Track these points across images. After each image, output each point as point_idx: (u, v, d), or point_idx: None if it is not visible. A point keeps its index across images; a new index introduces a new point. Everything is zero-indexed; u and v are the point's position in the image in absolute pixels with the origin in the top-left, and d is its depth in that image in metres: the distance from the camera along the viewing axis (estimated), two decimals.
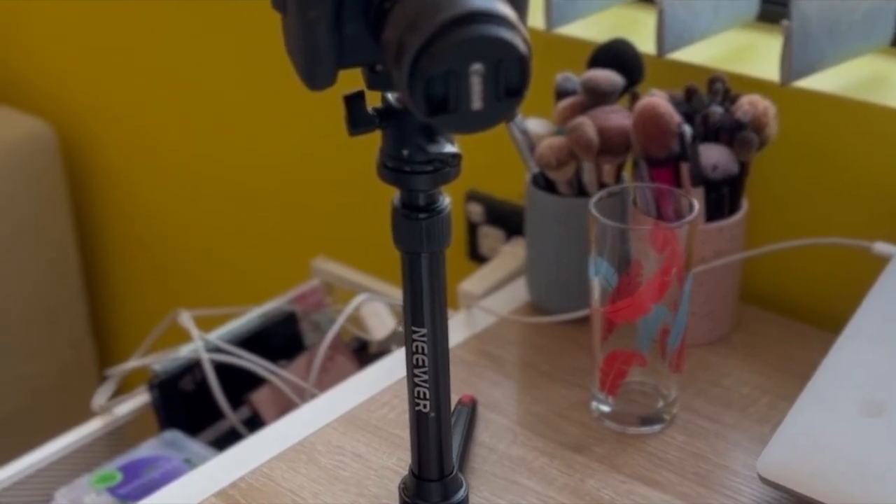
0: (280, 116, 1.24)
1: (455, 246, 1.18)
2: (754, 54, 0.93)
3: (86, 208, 1.61)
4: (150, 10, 1.36)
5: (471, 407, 0.81)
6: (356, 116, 0.56)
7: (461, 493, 0.67)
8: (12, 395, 1.56)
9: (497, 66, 0.48)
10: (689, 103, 0.86)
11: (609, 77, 0.87)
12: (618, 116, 0.86)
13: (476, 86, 0.48)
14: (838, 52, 0.87)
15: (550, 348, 0.90)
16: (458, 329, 0.93)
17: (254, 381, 1.01)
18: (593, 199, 0.77)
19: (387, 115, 0.56)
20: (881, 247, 0.82)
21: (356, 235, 1.22)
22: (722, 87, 0.86)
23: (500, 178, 1.09)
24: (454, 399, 0.81)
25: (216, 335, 1.01)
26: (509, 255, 1.04)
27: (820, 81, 0.87)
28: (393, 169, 0.58)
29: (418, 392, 0.65)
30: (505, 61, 0.48)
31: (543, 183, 0.90)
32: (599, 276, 0.77)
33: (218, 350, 0.99)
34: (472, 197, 1.14)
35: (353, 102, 0.56)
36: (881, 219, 0.85)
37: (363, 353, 1.06)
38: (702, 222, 0.85)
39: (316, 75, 0.52)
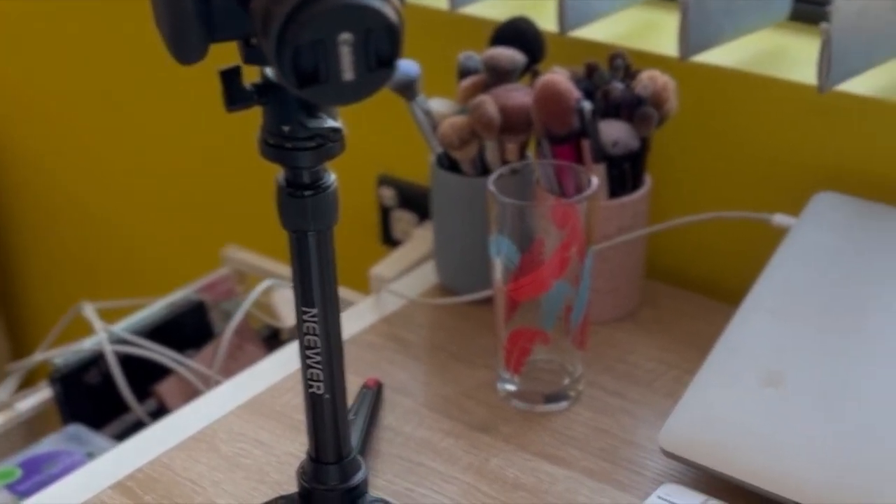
0: (186, 105, 1.22)
1: (368, 231, 1.18)
2: (656, 31, 0.93)
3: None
4: None
5: (375, 390, 0.80)
6: (233, 92, 0.55)
7: (359, 476, 0.66)
8: None
9: (367, 35, 0.47)
10: (589, 80, 0.85)
11: (510, 55, 0.87)
12: (519, 94, 0.85)
13: (346, 56, 0.48)
14: (736, 27, 0.87)
15: (459, 330, 0.89)
16: (367, 313, 0.92)
17: (162, 372, 0.99)
18: (492, 178, 0.76)
19: (265, 91, 0.55)
20: (780, 218, 0.82)
21: (267, 223, 1.20)
22: (623, 63, 0.86)
23: (411, 162, 1.08)
24: (360, 383, 0.81)
25: (121, 326, 1.00)
26: (421, 238, 1.03)
27: (719, 56, 0.87)
28: (274, 146, 0.57)
29: (311, 374, 0.64)
30: (374, 31, 0.48)
31: (447, 163, 0.89)
32: (501, 255, 0.77)
33: (122, 342, 0.97)
34: (384, 181, 1.13)
35: (229, 78, 0.54)
36: (781, 191, 0.86)
37: (274, 340, 1.05)
38: (604, 198, 0.85)
39: (184, 48, 0.51)
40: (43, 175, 1.48)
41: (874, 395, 0.69)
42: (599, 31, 0.93)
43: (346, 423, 0.66)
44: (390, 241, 1.15)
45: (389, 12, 0.48)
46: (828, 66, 0.79)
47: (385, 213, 1.15)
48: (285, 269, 1.17)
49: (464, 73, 0.90)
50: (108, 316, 1.04)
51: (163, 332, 1.01)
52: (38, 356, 1.00)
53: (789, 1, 0.89)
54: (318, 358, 0.63)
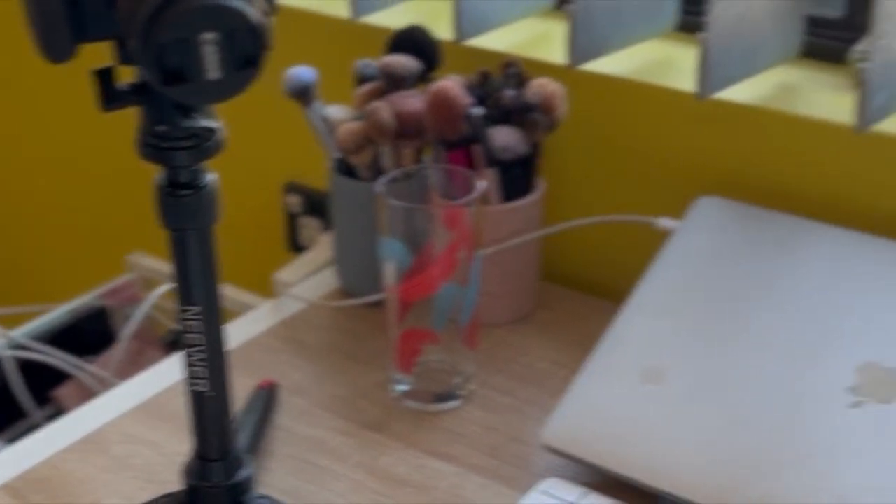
0: (87, 110, 1.22)
1: (275, 237, 1.19)
2: (549, 41, 0.95)
3: None
4: None
5: (269, 391, 0.81)
6: (108, 93, 0.56)
7: (244, 472, 0.67)
8: None
9: (230, 35, 0.49)
10: (482, 87, 0.87)
11: (405, 63, 0.89)
12: (414, 101, 0.87)
13: (210, 55, 0.49)
14: (624, 37, 0.90)
15: (357, 332, 0.90)
16: (267, 316, 0.93)
17: (63, 378, 0.99)
18: (381, 181, 0.78)
19: (140, 91, 0.56)
20: (665, 222, 0.85)
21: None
22: (515, 71, 0.88)
23: (318, 170, 1.09)
24: (256, 384, 0.82)
25: (21, 332, 1.00)
26: (326, 244, 1.05)
27: (607, 64, 0.90)
28: (151, 146, 0.58)
29: (194, 372, 0.64)
30: (238, 31, 0.49)
31: (345, 168, 0.91)
32: (392, 257, 0.78)
33: (21, 347, 0.97)
34: (291, 188, 1.14)
35: (103, 78, 0.55)
36: (667, 195, 0.88)
37: (177, 345, 1.05)
38: (497, 203, 0.87)
39: (52, 46, 0.51)
40: None
41: (749, 389, 0.72)
42: (495, 41, 0.95)
43: (229, 420, 0.67)
44: (297, 247, 1.16)
45: (252, 13, 0.49)
46: (706, 74, 0.82)
47: (292, 219, 1.16)
48: None
49: (361, 80, 0.91)
50: (12, 321, 1.04)
51: (64, 337, 1.02)
52: None
53: (676, 12, 0.92)
54: (201, 356, 0.64)
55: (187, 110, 0.57)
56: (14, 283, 1.41)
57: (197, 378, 0.65)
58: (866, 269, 0.77)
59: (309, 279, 0.99)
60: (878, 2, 0.74)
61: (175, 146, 0.58)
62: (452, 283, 0.78)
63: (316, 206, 1.13)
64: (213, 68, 0.49)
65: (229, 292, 1.15)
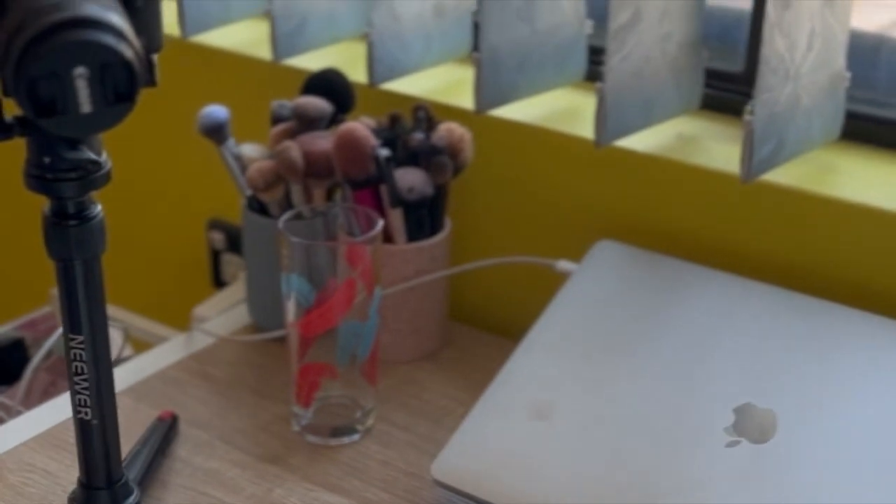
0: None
1: (198, 273, 1.20)
2: (461, 87, 0.98)
3: None
4: None
5: (169, 422, 0.82)
6: None
7: (130, 500, 0.68)
8: None
9: (102, 70, 0.51)
10: (392, 129, 0.90)
11: (317, 104, 0.91)
12: (324, 141, 0.89)
13: (82, 89, 0.51)
14: (531, 85, 0.92)
15: (265, 366, 0.92)
16: (178, 349, 0.94)
17: None
18: (283, 218, 0.80)
19: (26, 123, 0.58)
20: (563, 264, 0.87)
21: (107, 264, 1.22)
22: (425, 114, 0.91)
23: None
24: (151, 415, 0.83)
25: None
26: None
27: (514, 111, 0.92)
28: (37, 177, 0.59)
29: (80, 400, 0.66)
30: (111, 66, 0.51)
31: (257, 206, 0.93)
32: (292, 292, 0.80)
33: None
34: (214, 225, 1.16)
35: None
36: (567, 238, 0.91)
37: None
38: (403, 242, 0.89)
39: None
40: None
41: (632, 427, 0.74)
42: (408, 85, 0.97)
43: (116, 448, 0.68)
44: (220, 283, 1.17)
45: (125, 49, 0.51)
46: (603, 123, 0.84)
47: (215, 255, 1.17)
48: (116, 311, 1.19)
49: (276, 119, 0.93)
50: None
51: None
52: None
53: (584, 62, 0.95)
54: (86, 384, 0.65)
55: (73, 143, 0.58)
56: None
57: (81, 406, 0.66)
58: (750, 314, 0.79)
59: (224, 314, 1.00)
60: (762, 57, 0.77)
61: (60, 178, 0.59)
62: (352, 319, 0.80)
63: (239, 242, 1.15)
64: (85, 102, 0.51)
65: (149, 326, 1.16)
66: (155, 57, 0.58)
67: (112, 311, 1.15)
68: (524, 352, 0.81)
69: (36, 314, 1.09)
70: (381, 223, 0.80)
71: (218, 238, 1.16)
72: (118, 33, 0.51)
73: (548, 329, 0.82)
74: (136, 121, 1.25)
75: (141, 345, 1.10)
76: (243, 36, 1.08)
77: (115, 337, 1.08)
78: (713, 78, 0.93)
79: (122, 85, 0.52)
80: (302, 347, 0.81)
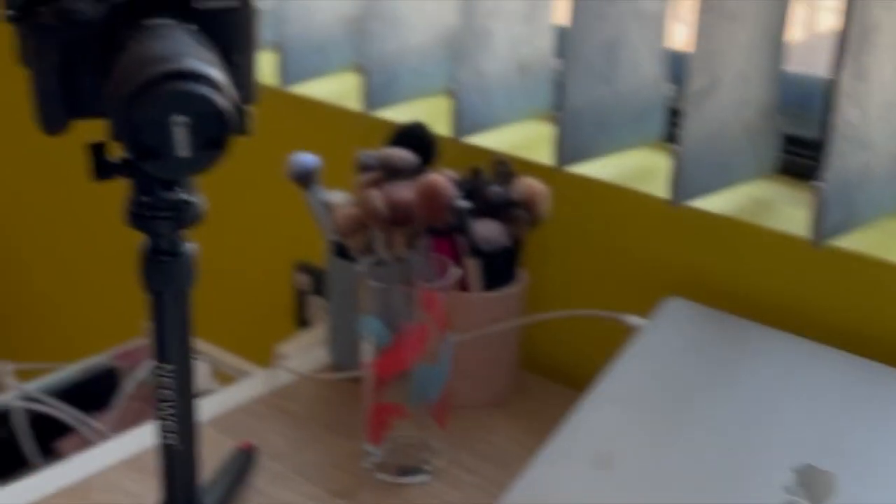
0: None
1: (284, 313, 1.25)
2: (544, 143, 1.01)
3: None
4: None
5: (247, 453, 0.86)
6: (100, 165, 0.62)
7: None
8: None
9: (198, 118, 0.55)
10: (472, 182, 0.93)
11: (402, 155, 0.95)
12: (407, 191, 0.93)
13: (180, 135, 0.55)
14: (610, 143, 0.95)
15: (341, 404, 0.95)
16: (259, 385, 0.99)
17: (67, 431, 1.05)
18: (363, 263, 0.84)
19: (128, 165, 0.62)
20: (632, 319, 0.89)
21: (196, 300, 1.28)
22: (505, 168, 0.94)
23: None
24: (231, 445, 0.87)
25: (33, 385, 1.06)
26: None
27: (593, 168, 0.95)
28: (136, 215, 0.64)
29: (165, 425, 0.70)
30: (206, 116, 0.55)
31: (341, 250, 0.97)
32: (370, 334, 0.84)
33: (32, 399, 1.04)
34: (301, 268, 1.21)
35: (96, 151, 0.62)
36: (637, 294, 0.93)
37: None
38: (478, 290, 0.92)
39: (48, 121, 0.58)
40: None
41: (692, 481, 0.75)
42: (490, 140, 1.01)
43: (196, 474, 0.72)
44: (303, 323, 1.22)
45: (220, 100, 0.55)
46: (678, 183, 0.87)
47: (300, 296, 1.22)
48: (205, 345, 1.24)
49: (363, 168, 0.97)
50: (28, 375, 1.10)
51: (74, 393, 1.08)
52: None
53: (662, 123, 0.98)
54: (172, 411, 0.69)
55: (169, 184, 0.63)
56: (34, 341, 1.49)
57: (167, 431, 0.70)
58: (814, 376, 0.80)
59: (306, 353, 1.04)
60: (834, 125, 0.79)
61: (157, 216, 0.64)
62: (424, 363, 0.83)
63: (322, 285, 1.19)
64: (181, 147, 0.55)
65: (234, 361, 1.21)
66: (250, 108, 0.63)
67: (200, 345, 1.21)
68: (590, 402, 0.83)
69: (129, 345, 1.14)
70: (456, 271, 0.83)
71: (304, 280, 1.20)
72: (215, 86, 0.55)
73: (614, 382, 0.84)
74: (233, 165, 1.31)
75: (225, 378, 1.15)
76: (337, 87, 1.13)
77: (202, 370, 1.13)
78: (789, 143, 0.94)
79: (215, 133, 0.56)
80: (376, 387, 0.85)
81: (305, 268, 1.20)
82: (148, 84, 0.54)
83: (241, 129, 0.61)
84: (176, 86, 0.54)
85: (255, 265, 1.27)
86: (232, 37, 0.60)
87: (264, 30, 1.13)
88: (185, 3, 0.59)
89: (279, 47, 1.09)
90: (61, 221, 1.46)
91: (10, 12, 0.56)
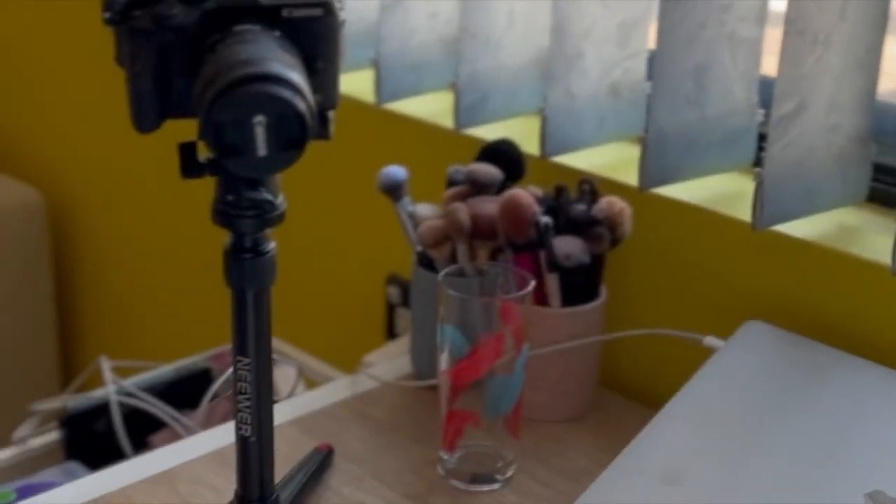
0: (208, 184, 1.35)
1: (374, 324, 1.27)
2: (632, 164, 1.02)
3: (65, 271, 1.72)
4: None
5: (325, 454, 0.89)
6: (188, 163, 0.65)
7: None
8: None
9: (278, 120, 0.58)
10: (556, 199, 0.95)
11: (488, 171, 0.97)
12: (491, 205, 0.95)
13: (260, 135, 0.58)
14: (696, 167, 0.96)
15: (421, 412, 0.97)
16: (343, 389, 1.01)
17: (160, 426, 1.09)
18: (443, 273, 0.86)
19: (215, 164, 0.65)
20: (710, 340, 0.90)
21: (287, 309, 1.32)
22: (589, 187, 0.95)
23: None
24: (312, 445, 0.90)
25: (131, 382, 1.10)
26: None
27: (677, 190, 0.96)
28: (222, 213, 0.67)
29: (241, 417, 0.73)
30: (285, 117, 0.58)
31: (426, 261, 0.99)
32: (446, 342, 0.86)
33: (128, 395, 1.08)
34: (392, 280, 1.23)
35: (186, 150, 0.65)
36: (716, 315, 0.93)
37: None
38: (557, 306, 0.93)
39: (142, 120, 0.62)
40: (113, 255, 1.63)
41: (763, 500, 0.75)
42: (578, 159, 1.02)
43: (270, 465, 0.74)
44: (393, 335, 1.24)
45: (299, 103, 0.58)
46: (761, 207, 0.87)
47: (391, 309, 1.24)
48: (297, 353, 1.27)
49: (450, 183, 1.00)
50: (127, 372, 1.15)
51: (168, 391, 1.12)
52: (56, 401, 1.11)
53: (753, 149, 0.98)
54: (248, 403, 0.72)
55: (253, 184, 0.66)
56: (134, 340, 1.55)
57: (242, 423, 0.73)
58: (891, 403, 0.79)
59: (390, 361, 1.06)
60: None
61: (241, 214, 0.67)
62: (499, 373, 0.85)
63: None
64: (261, 146, 0.58)
65: (322, 368, 1.24)
66: (331, 113, 0.66)
67: (290, 350, 1.25)
68: (662, 419, 0.83)
69: (224, 348, 1.18)
70: (532, 284, 0.84)
71: (394, 293, 1.23)
72: (295, 89, 0.58)
73: (688, 400, 0.84)
74: (331, 178, 1.36)
75: (313, 384, 1.18)
76: (430, 106, 1.16)
77: (290, 373, 1.16)
78: (882, 172, 0.94)
79: (294, 134, 0.59)
80: (451, 394, 0.87)
81: (397, 280, 1.23)
82: (231, 85, 0.57)
83: (321, 133, 0.64)
84: (258, 88, 0.57)
85: (351, 277, 1.31)
86: (316, 44, 0.63)
87: (364, 48, 1.17)
88: (272, 11, 0.62)
89: (377, 65, 1.12)
90: (164, 225, 1.52)
91: (109, 15, 0.60)
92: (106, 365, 1.12)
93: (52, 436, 1.10)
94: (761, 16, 0.94)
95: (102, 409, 1.10)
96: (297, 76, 0.59)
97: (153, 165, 1.46)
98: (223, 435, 0.94)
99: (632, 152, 1.05)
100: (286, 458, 0.87)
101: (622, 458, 0.82)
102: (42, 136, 1.73)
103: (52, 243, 1.72)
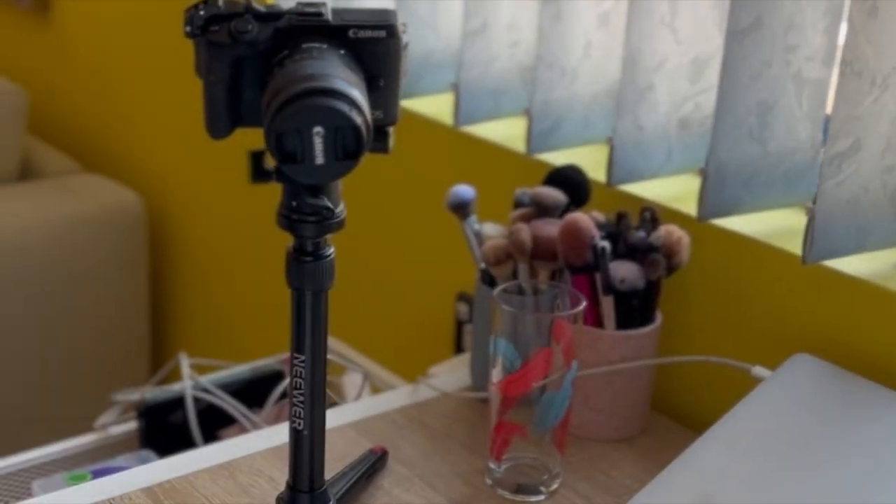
0: None
1: (443, 338, 1.32)
2: (695, 196, 1.04)
3: (159, 270, 1.81)
4: None
5: (378, 455, 0.93)
6: (256, 170, 0.71)
7: None
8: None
9: (336, 131, 0.63)
10: (616, 225, 0.98)
11: (553, 194, 1.01)
12: (553, 228, 0.98)
13: (318, 145, 0.63)
14: (757, 202, 0.98)
15: (475, 423, 1.01)
16: (403, 397, 1.05)
17: (231, 422, 1.14)
18: (498, 289, 0.90)
19: (281, 172, 0.70)
20: (758, 370, 0.92)
21: (364, 321, 1.37)
22: (650, 215, 0.98)
23: None
24: (367, 447, 0.94)
25: (207, 379, 1.16)
26: None
27: (737, 222, 0.98)
28: (286, 217, 0.72)
29: (295, 411, 0.77)
30: (342, 129, 0.63)
31: (489, 279, 1.03)
32: (499, 355, 0.89)
33: (204, 391, 1.14)
34: (461, 297, 1.27)
35: (255, 158, 0.70)
36: (765, 346, 0.95)
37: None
38: (611, 328, 0.96)
39: (214, 127, 0.67)
40: (209, 258, 1.70)
41: None
42: (643, 189, 1.05)
43: (321, 458, 0.79)
44: (460, 350, 1.28)
45: (356, 117, 0.63)
46: (811, 242, 0.89)
47: (459, 325, 1.28)
48: (366, 362, 1.32)
49: (517, 204, 1.04)
50: (205, 369, 1.21)
51: (242, 389, 1.18)
52: (136, 392, 1.17)
53: (815, 187, 0.99)
54: (302, 398, 0.77)
55: (315, 191, 0.71)
56: (213, 340, 1.61)
57: (296, 417, 0.77)
58: None
59: (451, 374, 1.10)
60: None
61: (302, 219, 0.72)
62: (548, 387, 0.88)
63: None
64: (319, 155, 0.63)
65: (388, 377, 1.28)
66: (391, 129, 0.70)
67: (361, 359, 1.30)
68: (703, 443, 0.86)
69: None
70: (584, 304, 0.88)
71: (463, 309, 1.27)
72: (354, 104, 0.63)
73: (730, 426, 0.86)
74: (406, 194, 1.41)
75: (379, 391, 1.23)
76: (504, 130, 1.20)
77: (358, 380, 1.21)
78: None
79: (350, 145, 0.64)
80: (501, 406, 0.90)
81: (466, 298, 1.27)
82: (294, 98, 0.62)
83: (380, 147, 0.69)
84: (318, 101, 0.62)
85: (423, 292, 1.35)
86: (378, 64, 0.68)
87: (445, 73, 1.22)
88: (339, 31, 0.67)
89: (456, 89, 1.17)
90: (248, 231, 1.58)
91: (189, 29, 0.66)
92: (185, 361, 1.18)
93: (131, 425, 1.16)
94: (828, 57, 0.96)
95: (178, 402, 1.15)
96: (357, 92, 0.64)
97: (239, 173, 1.53)
98: (284, 432, 0.98)
99: (697, 184, 1.08)
100: (342, 457, 0.92)
101: (659, 478, 0.84)
102: (143, 144, 1.82)
103: (148, 244, 1.80)
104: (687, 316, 1.02)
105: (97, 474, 1.05)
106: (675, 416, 1.02)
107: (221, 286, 1.70)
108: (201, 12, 0.66)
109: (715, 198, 0.96)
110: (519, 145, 1.14)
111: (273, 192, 0.73)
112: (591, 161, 1.09)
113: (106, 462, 1.08)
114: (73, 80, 1.92)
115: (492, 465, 0.92)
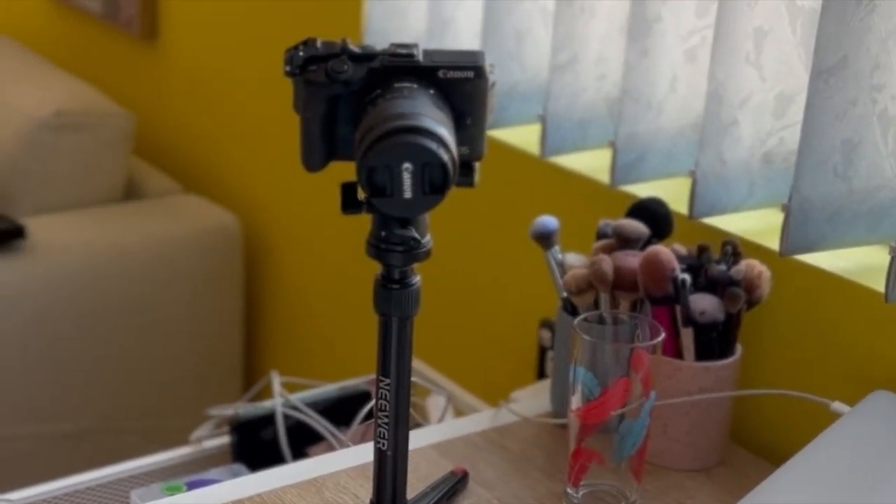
0: None
1: (527, 364, 1.34)
2: (778, 231, 1.05)
3: (254, 289, 1.87)
4: None
5: (459, 477, 0.96)
6: (348, 201, 0.74)
7: None
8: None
9: (423, 167, 0.66)
10: (698, 258, 1.00)
11: (635, 227, 1.03)
12: (634, 259, 1.00)
13: (407, 180, 0.66)
14: (840, 238, 0.99)
15: (554, 449, 1.03)
16: (484, 421, 1.08)
17: (318, 439, 1.18)
18: (578, 318, 0.92)
19: (370, 204, 0.74)
20: (838, 406, 0.92)
21: (451, 346, 1.40)
22: (731, 249, 1.00)
23: None
24: (449, 468, 0.97)
25: (297, 397, 1.20)
26: None
27: (819, 258, 0.99)
28: (374, 246, 0.76)
29: (380, 432, 0.81)
30: (430, 165, 0.66)
31: (570, 308, 1.05)
32: (579, 383, 0.92)
33: (294, 408, 1.18)
34: (545, 324, 1.30)
35: (348, 189, 0.74)
36: (845, 382, 0.96)
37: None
38: (691, 359, 0.98)
39: (309, 160, 0.71)
40: (301, 280, 1.76)
41: None
42: (726, 222, 1.07)
43: (403, 478, 0.82)
44: (543, 376, 1.31)
45: (443, 154, 0.66)
46: (894, 280, 0.89)
47: (542, 351, 1.31)
48: (451, 385, 1.35)
49: (600, 235, 1.06)
50: (295, 388, 1.26)
51: (331, 408, 1.22)
52: (229, 408, 1.22)
53: None
54: (386, 420, 0.80)
55: (404, 223, 0.74)
56: (304, 360, 1.66)
57: (380, 437, 0.81)
58: None
59: (533, 399, 1.13)
60: None
61: (391, 249, 0.75)
62: (626, 416, 0.90)
63: None
64: (407, 189, 0.67)
65: (472, 400, 1.31)
66: (476, 164, 0.73)
67: (445, 382, 1.33)
68: (779, 476, 0.87)
69: None
70: (662, 335, 0.90)
71: (546, 336, 1.29)
72: (441, 141, 0.66)
73: (807, 460, 0.87)
74: (492, 223, 1.43)
75: (461, 414, 1.25)
76: (590, 162, 1.22)
77: (441, 402, 1.24)
78: None
79: (437, 180, 0.67)
80: (580, 433, 0.92)
81: (549, 325, 1.29)
82: (385, 135, 0.66)
83: (466, 181, 0.72)
84: (407, 139, 0.66)
85: (508, 318, 1.38)
86: (466, 103, 0.71)
87: (530, 104, 1.24)
88: (429, 72, 0.71)
89: (543, 120, 1.19)
90: (340, 255, 1.63)
91: (289, 69, 0.70)
92: (276, 380, 1.22)
93: (224, 439, 1.21)
94: None
95: (269, 418, 1.20)
96: (445, 130, 0.67)
97: (332, 201, 1.58)
98: (369, 451, 1.02)
99: (779, 219, 1.09)
100: (424, 477, 0.95)
101: None
102: (242, 168, 1.88)
103: (244, 265, 1.86)
104: (767, 349, 1.03)
105: (191, 486, 1.09)
106: (753, 448, 1.03)
107: (312, 308, 1.75)
108: (300, 53, 0.70)
109: (798, 233, 0.97)
110: (603, 177, 1.16)
111: (364, 220, 0.76)
112: (675, 193, 1.11)
113: (200, 474, 1.13)
114: (178, 104, 1.99)
115: (569, 491, 0.94)
